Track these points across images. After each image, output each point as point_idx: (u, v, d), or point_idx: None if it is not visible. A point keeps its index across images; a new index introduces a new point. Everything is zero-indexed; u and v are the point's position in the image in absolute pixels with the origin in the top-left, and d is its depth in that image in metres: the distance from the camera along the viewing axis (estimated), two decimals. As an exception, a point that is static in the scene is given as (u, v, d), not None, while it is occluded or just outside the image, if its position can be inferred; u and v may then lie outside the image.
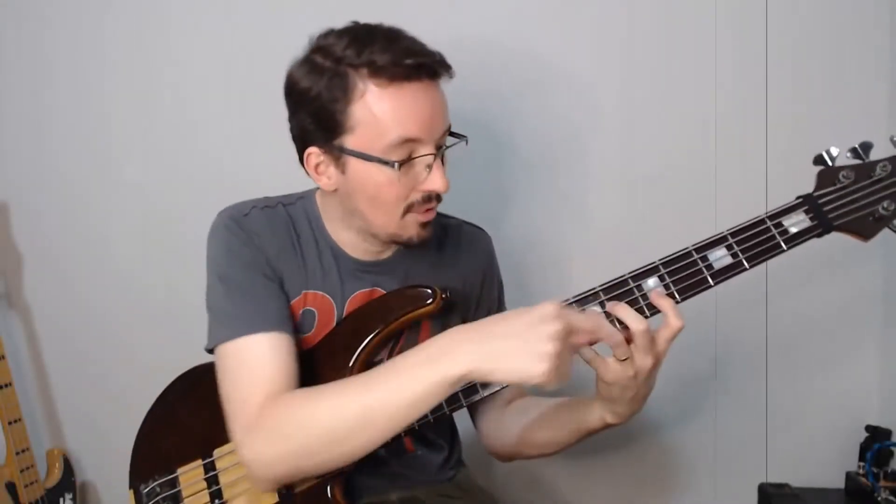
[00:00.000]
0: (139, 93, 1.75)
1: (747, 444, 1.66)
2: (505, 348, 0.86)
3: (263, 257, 1.11)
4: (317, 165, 1.09)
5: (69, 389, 1.87)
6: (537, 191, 1.67)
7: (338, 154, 1.05)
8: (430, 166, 1.04)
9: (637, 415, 1.67)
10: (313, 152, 1.08)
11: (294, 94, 1.07)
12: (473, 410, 1.29)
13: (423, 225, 1.10)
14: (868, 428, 1.55)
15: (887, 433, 1.52)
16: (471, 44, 1.60)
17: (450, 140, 1.09)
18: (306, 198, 1.21)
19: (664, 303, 0.96)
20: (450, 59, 1.07)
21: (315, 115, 1.05)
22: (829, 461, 1.59)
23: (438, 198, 1.09)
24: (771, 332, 1.62)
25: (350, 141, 1.03)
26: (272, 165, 1.47)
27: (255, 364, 1.04)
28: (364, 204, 1.08)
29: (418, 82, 1.02)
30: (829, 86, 1.57)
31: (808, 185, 1.04)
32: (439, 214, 1.30)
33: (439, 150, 1.06)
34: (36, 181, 1.81)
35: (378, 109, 1.01)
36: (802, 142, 1.56)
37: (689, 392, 1.67)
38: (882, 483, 1.46)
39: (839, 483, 1.56)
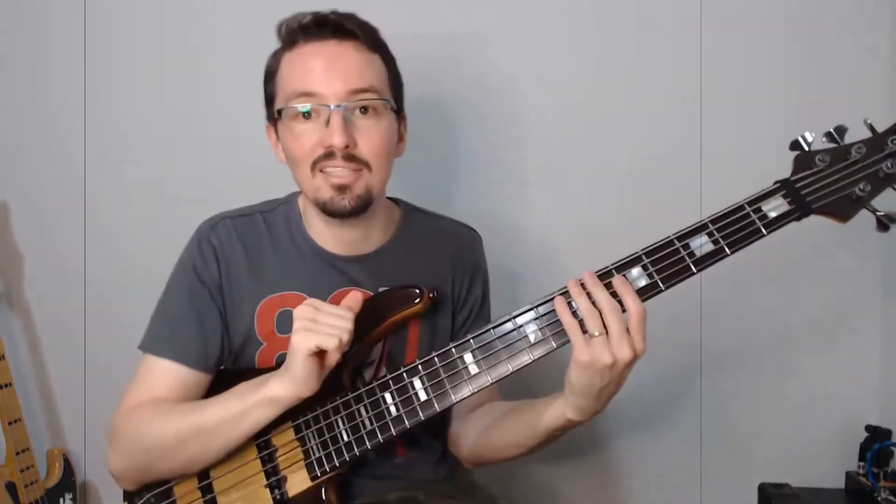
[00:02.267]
0: (141, 91, 1.76)
1: (748, 444, 1.66)
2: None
3: (210, 278, 1.14)
4: (275, 142, 1.17)
5: (69, 389, 1.87)
6: (526, 186, 1.67)
7: (275, 122, 1.14)
8: (328, 121, 1.05)
9: (636, 416, 1.69)
10: (268, 128, 1.18)
11: None
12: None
13: (339, 189, 1.07)
14: (868, 428, 1.54)
15: (887, 433, 1.52)
16: (461, 38, 1.61)
17: (361, 101, 1.07)
18: (290, 202, 1.22)
19: (622, 289, 0.96)
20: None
21: (264, 93, 1.16)
22: (829, 461, 1.60)
23: (352, 158, 1.06)
24: (771, 332, 1.62)
25: (275, 106, 1.12)
26: (276, 165, 1.47)
27: (147, 382, 1.13)
28: (292, 168, 1.12)
29: (320, 41, 1.08)
30: (819, 79, 1.57)
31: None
32: (430, 213, 1.31)
33: (343, 108, 1.05)
34: (36, 180, 1.82)
35: (283, 73, 1.11)
36: (790, 135, 1.57)
37: (688, 392, 1.67)
38: (882, 483, 1.46)
39: (839, 483, 1.56)
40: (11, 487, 1.68)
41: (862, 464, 1.51)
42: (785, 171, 1.01)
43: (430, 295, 1.10)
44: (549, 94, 1.64)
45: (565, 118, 1.64)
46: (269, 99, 1.15)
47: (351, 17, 1.10)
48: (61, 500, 1.78)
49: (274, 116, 1.13)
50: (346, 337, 0.97)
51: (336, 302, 1.14)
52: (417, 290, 1.10)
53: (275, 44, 1.65)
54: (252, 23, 1.69)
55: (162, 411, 1.08)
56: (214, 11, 1.72)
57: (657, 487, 1.71)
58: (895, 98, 1.54)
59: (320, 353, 0.98)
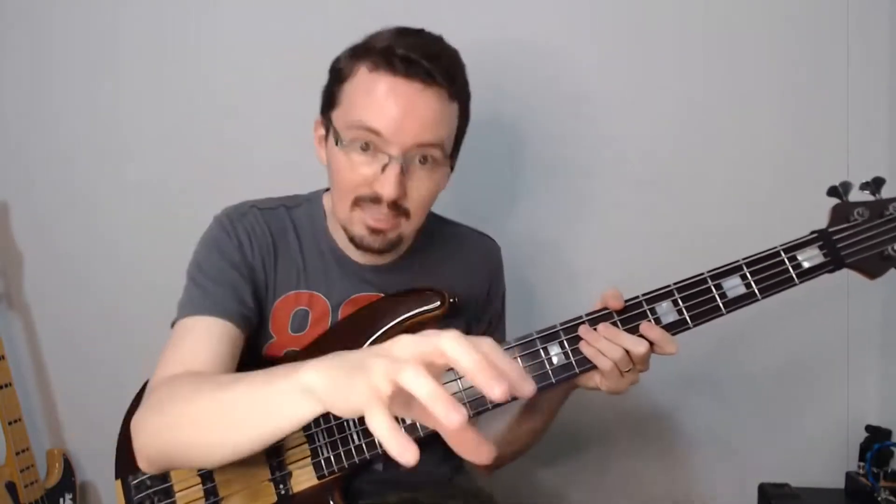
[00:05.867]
0: (141, 90, 1.75)
1: (747, 444, 1.66)
2: (346, 371, 0.68)
3: (242, 256, 1.12)
4: (320, 137, 1.13)
5: (69, 389, 1.87)
6: (546, 195, 1.67)
7: (327, 126, 1.09)
8: (385, 167, 1.01)
9: (637, 417, 1.69)
10: (318, 121, 1.13)
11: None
12: None
13: (372, 231, 1.05)
14: (868, 428, 1.55)
15: (887, 433, 1.52)
16: (490, 47, 1.61)
17: (424, 154, 1.03)
18: (312, 200, 1.22)
19: (655, 333, 0.98)
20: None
21: (327, 87, 1.10)
22: (829, 461, 1.60)
23: (396, 207, 1.04)
24: (772, 332, 1.62)
25: (334, 115, 1.07)
26: (279, 164, 1.47)
27: (187, 344, 1.05)
28: (331, 185, 1.11)
29: (404, 79, 1.00)
30: (822, 85, 1.57)
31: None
32: (450, 222, 1.31)
33: (403, 157, 1.01)
34: (36, 180, 1.81)
35: (356, 90, 1.03)
36: (792, 142, 1.58)
37: (688, 392, 1.67)
38: (882, 483, 1.46)
39: (839, 483, 1.56)
40: (11, 487, 1.68)
41: (862, 464, 1.51)
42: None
43: (451, 300, 1.09)
44: (568, 98, 1.64)
45: (582, 124, 1.64)
46: (331, 97, 1.08)
47: (442, 61, 1.03)
48: (61, 500, 1.78)
49: (330, 123, 1.08)
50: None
51: (353, 307, 1.15)
52: (438, 294, 1.10)
53: (274, 44, 1.68)
54: (253, 22, 1.70)
55: (194, 383, 0.95)
56: (215, 11, 1.72)
57: (657, 487, 1.71)
58: (895, 98, 1.55)
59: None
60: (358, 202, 1.05)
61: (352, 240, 1.09)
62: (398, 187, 1.01)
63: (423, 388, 0.59)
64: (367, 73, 1.02)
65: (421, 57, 1.00)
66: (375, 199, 1.03)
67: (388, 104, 1.00)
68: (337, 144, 1.05)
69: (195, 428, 0.89)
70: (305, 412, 0.74)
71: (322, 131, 1.13)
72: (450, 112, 1.06)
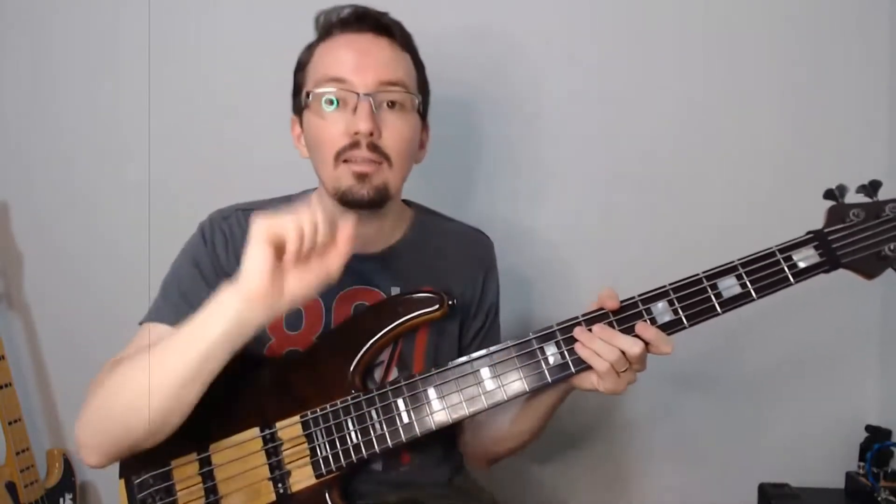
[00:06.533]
0: (141, 90, 1.75)
1: (747, 444, 1.66)
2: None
3: (216, 263, 1.14)
4: (297, 135, 1.18)
5: (69, 389, 1.87)
6: (545, 195, 1.67)
7: (300, 112, 1.14)
8: (356, 108, 1.05)
9: (638, 416, 1.69)
10: (293, 119, 1.18)
11: None
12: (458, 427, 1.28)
13: (359, 177, 1.07)
14: (868, 428, 1.55)
15: (887, 433, 1.52)
16: (478, 37, 1.61)
17: (390, 93, 1.08)
18: (303, 198, 1.22)
19: (650, 333, 0.99)
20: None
21: (293, 86, 1.17)
22: (829, 461, 1.59)
23: (375, 149, 1.06)
24: (771, 332, 1.62)
25: (304, 94, 1.13)
26: (279, 164, 1.47)
27: (137, 346, 1.09)
28: (314, 159, 1.13)
29: (357, 33, 1.10)
30: (822, 85, 1.57)
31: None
32: (442, 216, 1.30)
33: (371, 97, 1.06)
34: (36, 180, 1.82)
35: (317, 60, 1.12)
36: (792, 142, 1.58)
37: (688, 391, 1.67)
38: (882, 483, 1.46)
39: (839, 483, 1.56)
40: (11, 487, 1.68)
41: (862, 464, 1.51)
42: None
43: (450, 302, 1.10)
44: (567, 96, 1.64)
45: (581, 122, 1.64)
46: (297, 89, 1.15)
47: (388, 17, 1.13)
48: (61, 500, 1.78)
49: (301, 105, 1.13)
50: (306, 229, 0.91)
51: (345, 301, 1.16)
52: (437, 297, 1.10)
53: (274, 44, 1.67)
54: (253, 22, 1.71)
55: (122, 359, 1.04)
56: (215, 11, 1.72)
57: (657, 487, 1.71)
58: (895, 98, 1.55)
59: (278, 252, 0.91)
60: (339, 157, 1.08)
61: (342, 197, 1.09)
62: (370, 120, 1.05)
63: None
64: (322, 45, 1.12)
65: (366, 10, 1.11)
66: (354, 144, 1.06)
67: (344, 53, 1.09)
68: (309, 108, 1.10)
69: (131, 387, 0.97)
70: (223, 326, 0.94)
71: (298, 128, 1.17)
72: (405, 60, 1.12)
